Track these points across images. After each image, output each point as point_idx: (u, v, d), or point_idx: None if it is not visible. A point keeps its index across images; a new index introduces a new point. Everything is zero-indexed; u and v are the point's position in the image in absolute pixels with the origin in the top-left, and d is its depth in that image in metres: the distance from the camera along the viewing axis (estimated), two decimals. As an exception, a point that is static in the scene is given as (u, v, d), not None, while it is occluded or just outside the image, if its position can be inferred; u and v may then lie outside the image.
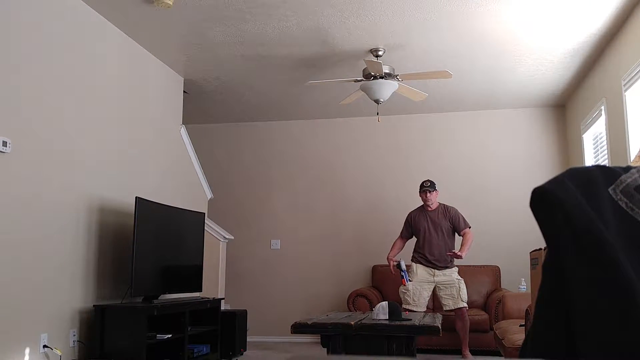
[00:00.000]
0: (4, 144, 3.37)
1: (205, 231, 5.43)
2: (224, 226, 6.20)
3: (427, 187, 5.37)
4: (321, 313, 6.34)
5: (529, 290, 5.54)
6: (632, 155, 4.31)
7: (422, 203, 5.49)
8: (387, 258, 5.45)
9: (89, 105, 4.22)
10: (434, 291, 5.34)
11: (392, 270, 5.33)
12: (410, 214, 5.57)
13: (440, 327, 3.47)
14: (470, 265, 6.02)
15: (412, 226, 5.50)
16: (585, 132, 5.77)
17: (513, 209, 6.40)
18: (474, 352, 5.45)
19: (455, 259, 5.28)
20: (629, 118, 4.42)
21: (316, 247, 6.89)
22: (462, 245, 5.27)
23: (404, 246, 5.58)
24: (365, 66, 4.96)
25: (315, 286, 6.82)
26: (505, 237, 6.42)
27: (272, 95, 6.27)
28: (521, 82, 5.85)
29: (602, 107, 5.07)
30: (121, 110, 4.64)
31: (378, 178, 6.90)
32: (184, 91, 5.78)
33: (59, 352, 3.74)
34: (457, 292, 5.21)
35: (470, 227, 5.40)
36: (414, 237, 5.55)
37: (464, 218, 5.40)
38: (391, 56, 5.10)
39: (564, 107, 6.62)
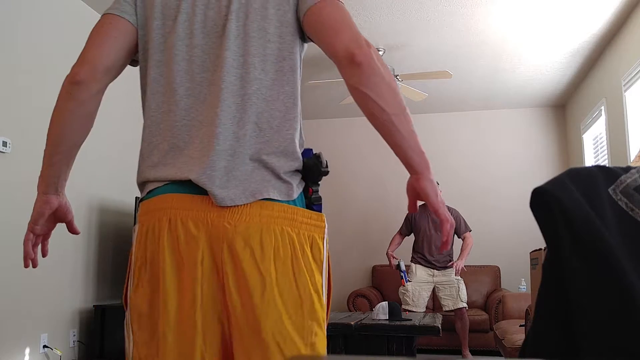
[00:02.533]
0: (4, 144, 3.37)
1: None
2: (224, 226, 6.19)
3: None
4: (321, 313, 6.34)
5: (529, 290, 5.54)
6: (632, 155, 4.31)
7: (423, 202, 5.48)
8: (387, 253, 5.45)
9: (89, 105, 4.22)
10: (433, 291, 5.34)
11: (392, 265, 5.32)
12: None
13: (440, 327, 3.47)
14: (470, 265, 6.02)
15: (412, 224, 5.50)
16: (585, 132, 5.77)
17: (513, 209, 6.40)
18: (474, 352, 5.45)
19: (454, 260, 5.29)
20: (629, 118, 4.42)
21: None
22: (461, 250, 5.27)
23: (401, 242, 5.59)
24: (365, 66, 4.96)
25: (315, 286, 6.82)
26: (505, 237, 6.42)
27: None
28: (521, 82, 5.86)
29: (602, 107, 5.08)
30: (122, 110, 4.64)
31: (378, 178, 6.90)
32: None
33: (59, 352, 3.74)
34: (456, 292, 5.21)
35: (470, 231, 5.40)
36: (411, 234, 5.55)
37: (465, 221, 5.39)
38: (391, 56, 5.10)
39: (564, 107, 6.62)
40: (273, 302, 1.09)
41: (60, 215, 1.31)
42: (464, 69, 5.45)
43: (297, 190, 1.17)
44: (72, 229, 1.35)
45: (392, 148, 1.16)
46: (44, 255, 1.35)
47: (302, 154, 1.20)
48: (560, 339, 0.65)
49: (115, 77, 1.28)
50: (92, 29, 1.26)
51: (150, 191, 1.18)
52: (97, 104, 1.25)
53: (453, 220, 1.25)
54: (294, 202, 1.15)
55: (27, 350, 3.54)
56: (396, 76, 5.05)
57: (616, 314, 0.60)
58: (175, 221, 1.11)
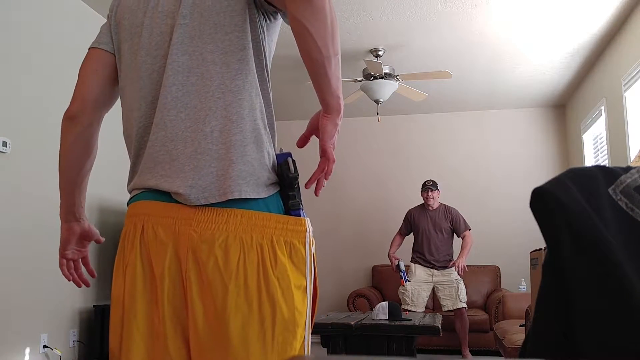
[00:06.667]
0: (4, 144, 3.37)
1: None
2: (224, 226, 6.18)
3: (429, 186, 5.37)
4: (321, 313, 6.34)
5: (529, 290, 5.54)
6: (632, 155, 4.31)
7: (423, 202, 5.49)
8: (389, 255, 5.46)
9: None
10: (433, 291, 5.34)
11: (394, 268, 5.33)
12: (410, 211, 5.57)
13: (440, 327, 3.47)
14: (470, 265, 6.02)
15: (412, 224, 5.50)
16: (585, 132, 5.77)
17: (513, 209, 6.40)
18: (474, 352, 5.45)
19: (455, 260, 5.28)
20: (629, 118, 4.42)
21: (316, 247, 6.88)
22: (461, 249, 5.27)
23: (402, 243, 5.59)
24: (365, 66, 4.96)
25: (315, 286, 6.82)
26: (505, 237, 6.42)
27: (272, 95, 6.26)
28: (521, 82, 5.86)
29: (602, 107, 5.07)
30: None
31: (378, 178, 6.90)
32: (184, 91, 5.78)
33: (59, 352, 3.74)
34: (455, 292, 5.21)
35: (470, 230, 5.39)
36: (411, 234, 5.55)
37: (464, 220, 5.39)
38: (391, 56, 5.10)
39: (564, 107, 6.62)
40: (236, 309, 1.07)
41: (86, 238, 1.41)
42: (464, 69, 5.45)
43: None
44: (98, 242, 1.45)
45: (314, 86, 1.17)
46: (92, 276, 1.46)
47: (276, 158, 1.23)
48: (560, 339, 0.65)
49: (110, 106, 1.37)
50: (81, 65, 1.33)
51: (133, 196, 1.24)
52: (94, 133, 1.35)
53: (335, 160, 1.28)
54: (267, 209, 1.15)
55: (27, 350, 3.54)
56: (396, 76, 5.05)
57: (616, 313, 0.60)
58: (147, 228, 1.15)
